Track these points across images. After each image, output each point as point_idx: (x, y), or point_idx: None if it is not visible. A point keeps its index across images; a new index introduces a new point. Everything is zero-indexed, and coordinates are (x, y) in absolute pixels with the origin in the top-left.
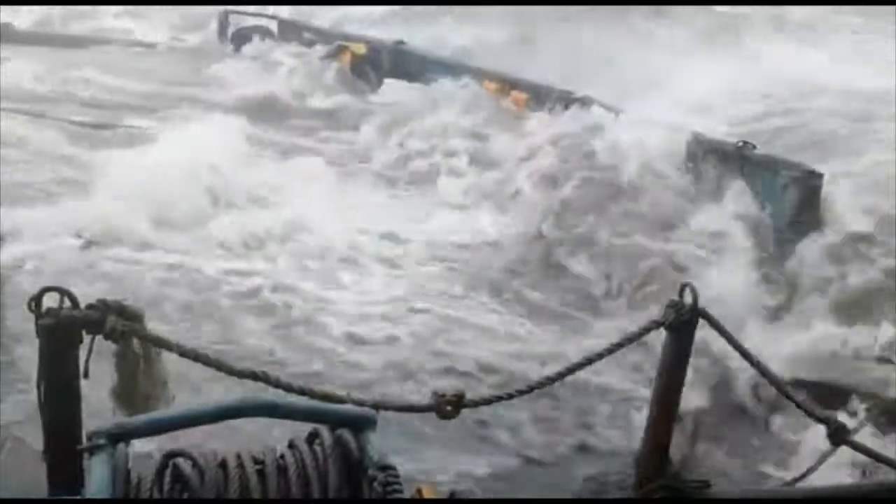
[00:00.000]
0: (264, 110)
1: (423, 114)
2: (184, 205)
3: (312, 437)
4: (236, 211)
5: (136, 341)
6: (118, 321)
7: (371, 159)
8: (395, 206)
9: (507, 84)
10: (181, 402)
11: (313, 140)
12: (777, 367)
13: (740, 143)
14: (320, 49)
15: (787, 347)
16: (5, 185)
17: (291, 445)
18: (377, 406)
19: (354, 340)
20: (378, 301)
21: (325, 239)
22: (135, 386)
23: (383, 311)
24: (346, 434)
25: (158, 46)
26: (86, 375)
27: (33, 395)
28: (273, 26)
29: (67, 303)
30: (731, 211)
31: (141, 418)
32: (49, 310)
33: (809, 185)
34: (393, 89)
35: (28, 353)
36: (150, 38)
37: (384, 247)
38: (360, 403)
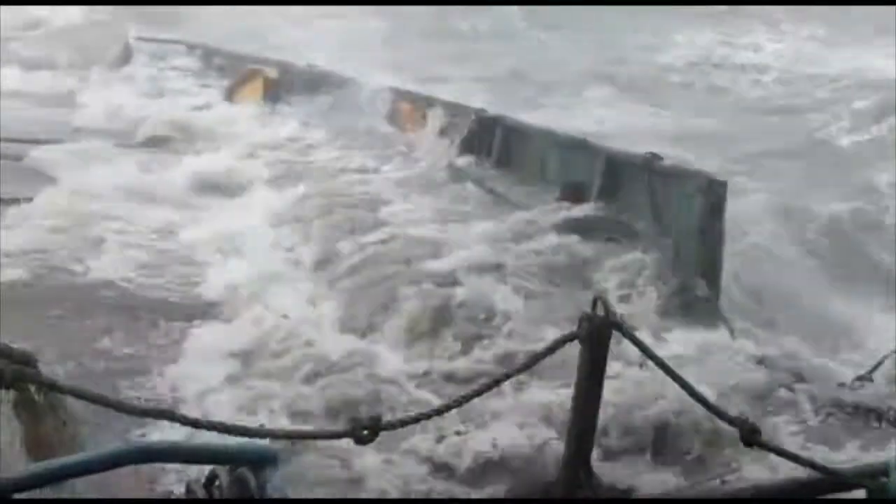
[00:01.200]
0: None
1: None
2: None
3: (210, 480)
4: None
5: (33, 387)
6: (7, 365)
7: None
8: None
9: (423, 103)
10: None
11: None
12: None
13: (648, 155)
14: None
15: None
16: None
17: (189, 490)
18: (289, 436)
19: None
20: None
21: None
22: (38, 431)
23: None
24: (246, 473)
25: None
26: None
27: None
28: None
29: None
30: None
31: (25, 471)
32: None
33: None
34: None
35: None
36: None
37: None
38: (272, 435)
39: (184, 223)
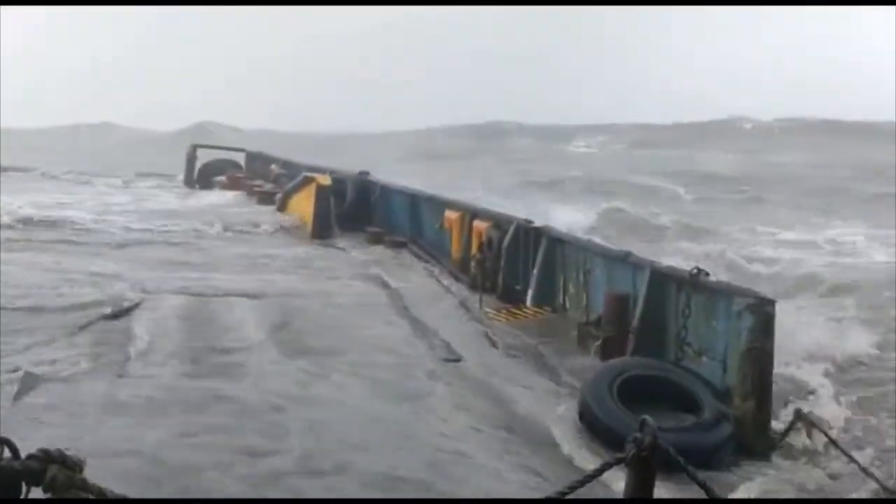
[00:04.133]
0: None
1: None
2: None
3: None
4: None
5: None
6: (59, 471)
7: None
8: None
9: (469, 213)
10: None
11: None
12: None
13: (694, 270)
14: (286, 179)
15: None
16: None
17: None
18: None
19: None
20: None
21: None
22: None
23: None
24: None
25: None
26: None
27: None
28: (241, 159)
29: (7, 452)
30: None
31: None
32: None
33: (763, 312)
34: None
35: None
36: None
37: None
38: None
39: None
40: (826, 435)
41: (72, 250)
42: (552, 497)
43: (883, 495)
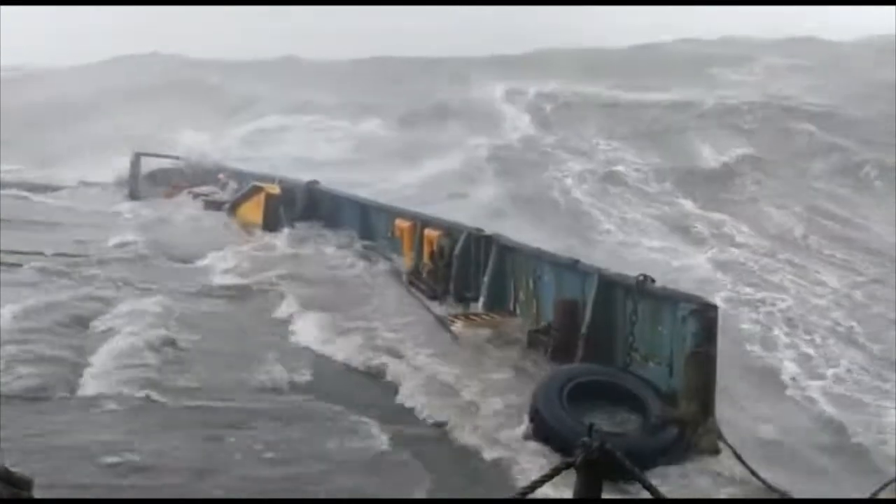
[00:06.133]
0: None
1: None
2: None
3: None
4: None
5: None
6: (4, 488)
7: None
8: None
9: (420, 222)
10: None
11: None
12: None
13: (640, 277)
14: (232, 187)
15: None
16: None
17: None
18: None
19: None
20: None
21: None
22: None
23: None
24: None
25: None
26: None
27: None
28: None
29: None
30: None
31: None
32: None
33: (707, 317)
34: None
35: None
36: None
37: None
38: None
39: None
40: (726, 443)
41: None
42: (550, 498)
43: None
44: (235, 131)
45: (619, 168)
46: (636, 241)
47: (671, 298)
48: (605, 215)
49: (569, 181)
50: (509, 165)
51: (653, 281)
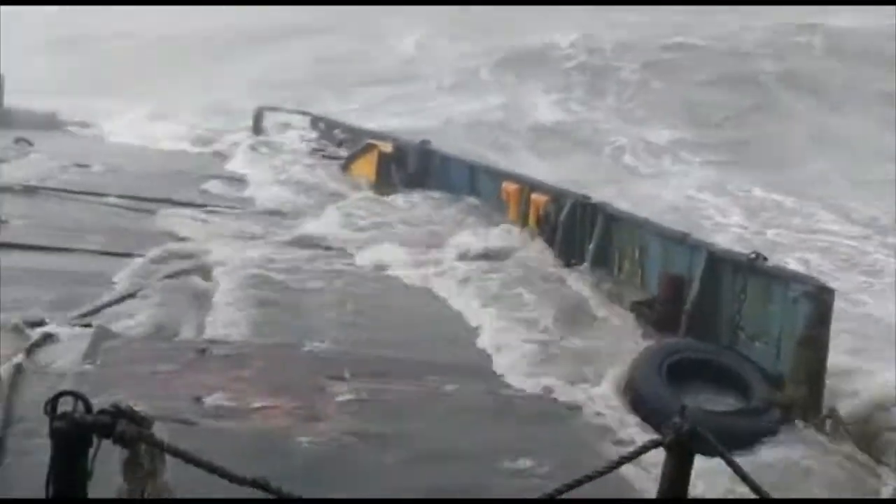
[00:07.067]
0: None
1: None
2: None
3: None
4: None
5: (143, 447)
6: (128, 426)
7: None
8: None
9: (527, 186)
10: None
11: None
12: None
13: (752, 255)
14: (348, 145)
15: None
16: None
17: None
18: None
19: None
20: None
21: None
22: (141, 493)
23: None
24: None
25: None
26: (89, 477)
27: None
28: (306, 122)
29: (81, 407)
30: None
31: None
32: (63, 413)
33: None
34: None
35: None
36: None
37: None
38: None
39: None
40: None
41: None
42: (551, 497)
43: None
44: None
45: None
46: None
47: (782, 278)
48: None
49: None
50: None
51: (765, 259)
